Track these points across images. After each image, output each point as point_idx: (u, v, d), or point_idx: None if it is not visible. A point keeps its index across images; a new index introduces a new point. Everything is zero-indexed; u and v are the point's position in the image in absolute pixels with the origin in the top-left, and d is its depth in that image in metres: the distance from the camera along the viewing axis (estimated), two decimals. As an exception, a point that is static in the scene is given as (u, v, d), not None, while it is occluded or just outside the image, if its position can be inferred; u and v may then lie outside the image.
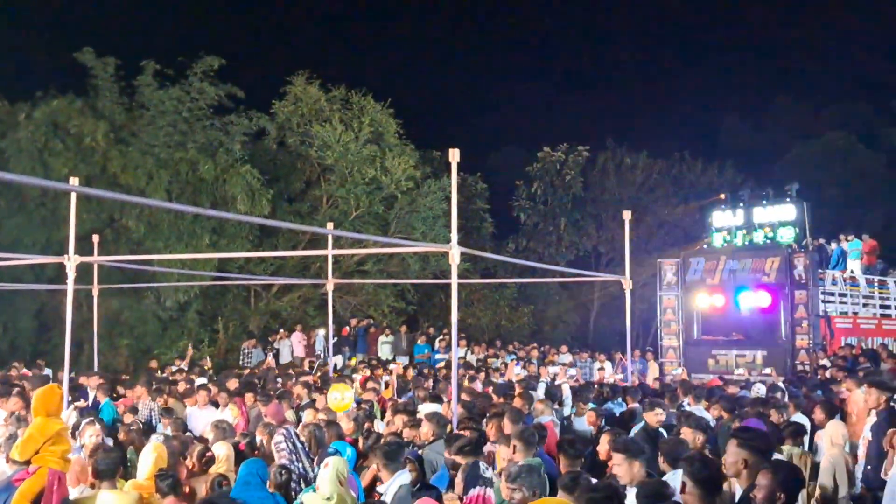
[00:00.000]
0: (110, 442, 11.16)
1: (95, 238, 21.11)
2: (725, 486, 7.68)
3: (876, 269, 31.40)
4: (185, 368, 24.10)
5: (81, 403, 15.22)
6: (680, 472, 6.84)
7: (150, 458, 9.00)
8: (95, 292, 20.85)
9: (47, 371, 22.92)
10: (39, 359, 25.54)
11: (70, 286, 13.15)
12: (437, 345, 30.42)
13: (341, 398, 13.60)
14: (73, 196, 14.28)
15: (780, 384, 18.08)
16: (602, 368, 26.86)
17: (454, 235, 12.17)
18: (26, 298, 27.53)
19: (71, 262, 13.01)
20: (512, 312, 40.74)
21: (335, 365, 23.70)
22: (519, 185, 45.29)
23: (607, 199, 45.48)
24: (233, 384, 17.49)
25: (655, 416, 11.69)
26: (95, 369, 20.74)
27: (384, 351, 30.51)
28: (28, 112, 27.88)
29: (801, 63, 69.33)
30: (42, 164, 27.04)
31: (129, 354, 28.69)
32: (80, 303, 23.15)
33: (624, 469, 7.94)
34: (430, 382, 19.63)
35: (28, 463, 9.83)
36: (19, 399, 13.42)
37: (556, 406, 15.05)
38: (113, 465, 8.81)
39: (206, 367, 24.85)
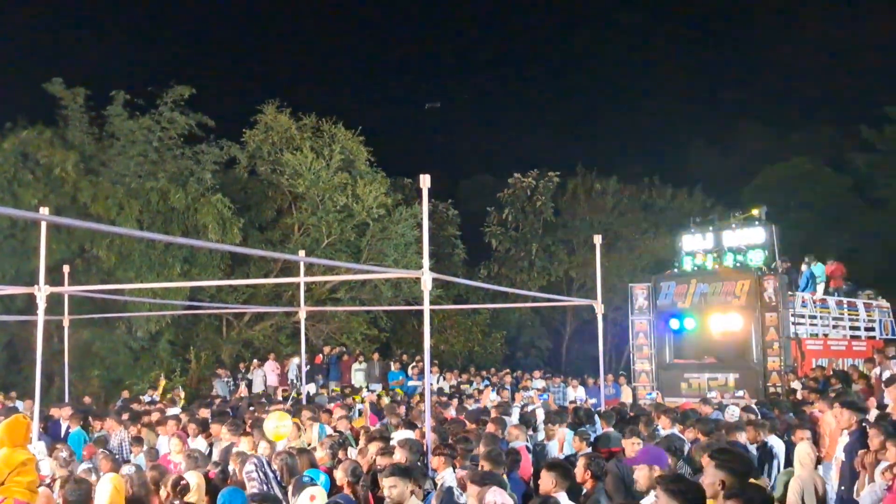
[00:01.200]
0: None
1: (66, 268, 20.91)
2: None
3: (839, 291, 31.51)
4: (157, 399, 24.00)
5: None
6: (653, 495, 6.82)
7: (106, 489, 8.94)
8: (66, 323, 20.72)
9: (18, 403, 22.77)
10: (10, 390, 25.36)
11: (41, 317, 13.04)
12: (410, 371, 30.41)
13: (277, 427, 13.35)
14: (44, 225, 14.17)
15: (754, 406, 18.15)
16: (574, 401, 26.82)
17: (426, 261, 12.16)
18: (-5, 329, 27.41)
19: (41, 292, 12.90)
20: (485, 338, 40.84)
21: (308, 393, 23.58)
22: (490, 212, 45.43)
23: (578, 224, 45.69)
24: (204, 414, 17.43)
25: (632, 445, 11.64)
26: (66, 400, 20.64)
27: (357, 378, 30.43)
28: (-3, 143, 27.83)
29: (766, 88, 69.85)
30: (11, 194, 26.93)
31: (101, 385, 28.55)
32: (50, 333, 22.99)
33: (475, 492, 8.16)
34: (403, 409, 19.61)
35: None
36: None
37: (531, 432, 15.05)
38: (83, 496, 8.75)
39: (178, 397, 24.75)
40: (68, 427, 17.26)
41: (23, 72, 36.84)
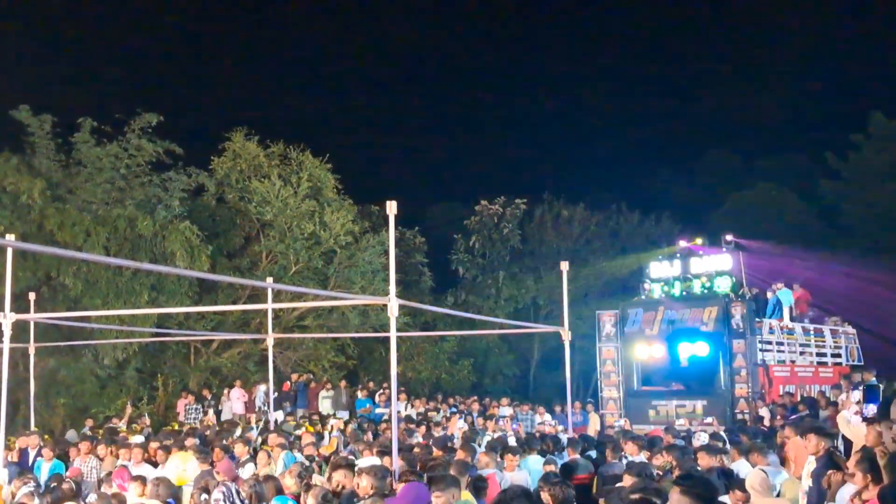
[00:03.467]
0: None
1: (32, 296, 20.79)
2: None
3: (806, 318, 31.63)
4: (124, 427, 23.85)
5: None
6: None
7: None
8: (32, 350, 20.61)
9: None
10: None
11: (6, 344, 12.96)
12: (377, 399, 30.33)
13: (183, 470, 12.63)
14: (10, 252, 14.13)
15: (722, 433, 18.20)
16: (542, 423, 26.84)
17: (392, 287, 12.17)
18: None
19: (7, 319, 12.83)
20: (452, 366, 40.73)
21: (276, 420, 23.52)
22: (457, 239, 45.50)
23: (545, 251, 45.86)
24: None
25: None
26: (32, 428, 20.47)
27: (325, 406, 30.33)
28: (-37, 170, 27.64)
29: (733, 115, 70.34)
30: (-22, 221, 26.75)
31: (67, 413, 28.31)
32: (16, 361, 22.84)
33: None
34: (370, 436, 19.60)
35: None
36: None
37: (499, 458, 15.02)
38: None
39: (144, 425, 24.60)
40: (35, 455, 17.20)
41: (-11, 99, 36.67)
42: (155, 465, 15.10)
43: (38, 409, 23.18)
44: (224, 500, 9.50)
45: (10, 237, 14.48)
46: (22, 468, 15.57)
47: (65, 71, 56.20)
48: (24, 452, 17.78)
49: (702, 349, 28.44)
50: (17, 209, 27.58)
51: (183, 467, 12.74)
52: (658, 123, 70.90)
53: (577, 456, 14.37)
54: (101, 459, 15.71)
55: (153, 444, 16.68)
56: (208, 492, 10.99)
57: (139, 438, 19.39)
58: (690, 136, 68.41)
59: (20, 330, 18.38)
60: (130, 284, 28.63)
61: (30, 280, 26.08)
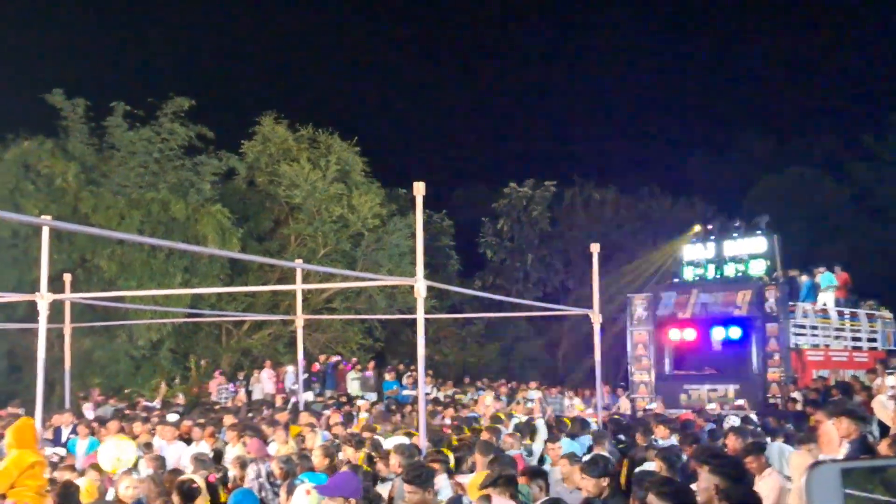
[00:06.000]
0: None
1: (67, 277, 20.82)
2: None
3: (847, 302, 31.35)
4: (158, 406, 24.03)
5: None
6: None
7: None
8: (67, 331, 20.65)
9: (20, 410, 22.74)
10: (11, 399, 25.28)
11: (42, 324, 13.01)
12: (405, 381, 30.44)
13: (118, 457, 11.61)
14: (46, 231, 14.15)
15: (753, 417, 18.16)
16: (571, 406, 26.82)
17: (420, 268, 12.20)
18: (-3, 338, 27.35)
19: (44, 300, 12.88)
20: (479, 349, 40.75)
21: (304, 401, 23.61)
22: (485, 222, 45.41)
23: (575, 234, 45.57)
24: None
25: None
26: (67, 408, 20.63)
27: (353, 387, 30.48)
28: (-2, 153, 27.89)
29: (766, 97, 69.90)
30: (13, 204, 26.84)
31: (102, 393, 28.54)
32: (51, 342, 22.97)
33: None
34: (398, 417, 19.72)
35: (3, 497, 9.73)
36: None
37: (526, 441, 15.01)
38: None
39: (178, 404, 24.79)
40: (69, 433, 17.41)
41: (24, 83, 36.81)
42: (188, 441, 15.23)
43: (73, 389, 23.35)
44: (255, 478, 9.61)
45: (46, 218, 14.55)
46: (56, 446, 15.78)
47: (98, 55, 56.34)
48: (57, 431, 17.97)
49: (735, 333, 28.30)
50: (52, 192, 27.85)
51: (117, 454, 11.95)
52: (690, 106, 70.40)
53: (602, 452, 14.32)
54: (136, 437, 15.80)
55: (186, 422, 16.84)
56: (245, 467, 11.13)
57: (173, 417, 19.53)
58: (723, 119, 67.97)
59: (56, 311, 18.50)
60: (164, 267, 28.88)
61: (65, 262, 26.23)
